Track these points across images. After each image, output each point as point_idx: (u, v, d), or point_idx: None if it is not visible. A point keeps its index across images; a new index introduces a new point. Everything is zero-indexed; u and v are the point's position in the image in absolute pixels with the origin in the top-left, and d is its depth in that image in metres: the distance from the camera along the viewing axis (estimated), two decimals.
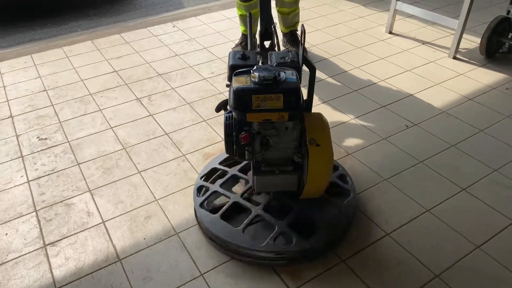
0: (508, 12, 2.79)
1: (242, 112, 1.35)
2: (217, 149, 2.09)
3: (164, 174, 1.95)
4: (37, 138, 2.21)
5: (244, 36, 2.92)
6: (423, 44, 3.03)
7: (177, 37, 3.25)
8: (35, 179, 1.95)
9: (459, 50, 2.85)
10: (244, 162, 1.81)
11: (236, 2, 2.82)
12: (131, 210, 1.77)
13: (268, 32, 1.65)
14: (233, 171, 1.79)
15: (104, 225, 1.71)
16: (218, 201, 1.73)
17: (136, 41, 3.22)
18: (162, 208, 1.77)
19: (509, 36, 2.78)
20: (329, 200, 1.65)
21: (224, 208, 1.63)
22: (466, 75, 2.64)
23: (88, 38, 3.30)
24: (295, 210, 1.59)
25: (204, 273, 1.50)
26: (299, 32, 1.76)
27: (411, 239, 1.59)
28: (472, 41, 3.01)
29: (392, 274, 1.46)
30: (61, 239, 1.65)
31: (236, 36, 3.12)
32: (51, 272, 1.53)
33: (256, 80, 1.33)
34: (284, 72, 1.37)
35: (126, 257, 1.57)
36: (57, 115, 2.39)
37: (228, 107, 1.48)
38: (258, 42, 1.76)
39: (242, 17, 2.86)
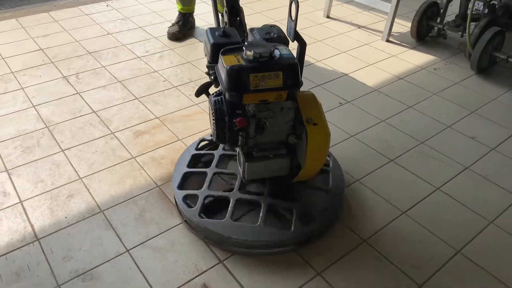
0: None
1: (238, 93, 1.22)
2: (150, 127, 2.00)
3: (90, 152, 1.84)
4: None
5: (181, 14, 2.83)
6: (359, 28, 3.10)
7: (110, 16, 3.10)
8: None
9: (392, 33, 2.94)
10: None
11: None
12: (52, 189, 1.65)
13: (235, 8, 1.52)
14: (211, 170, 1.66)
15: (22, 204, 1.58)
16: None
17: (65, 20, 3.03)
18: (86, 187, 1.67)
19: (438, 20, 2.90)
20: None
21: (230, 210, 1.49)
22: (398, 57, 2.73)
23: (12, 16, 3.06)
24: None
25: (130, 249, 1.43)
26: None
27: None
28: (404, 26, 3.12)
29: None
30: None
31: (173, 16, 3.02)
32: None
33: (251, 57, 1.22)
34: (278, 48, 1.27)
35: (44, 237, 1.46)
36: None
37: (216, 90, 1.36)
38: (225, 19, 1.60)
39: None
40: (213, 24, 3.01)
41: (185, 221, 1.51)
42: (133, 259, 1.40)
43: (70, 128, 1.97)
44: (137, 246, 1.44)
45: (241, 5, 1.57)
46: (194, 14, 2.93)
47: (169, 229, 1.50)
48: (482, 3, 2.66)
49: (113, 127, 1.99)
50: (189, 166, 1.65)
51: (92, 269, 1.36)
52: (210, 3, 3.29)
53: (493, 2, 2.69)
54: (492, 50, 2.51)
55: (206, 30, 1.45)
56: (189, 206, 1.49)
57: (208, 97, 1.46)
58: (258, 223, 1.42)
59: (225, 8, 1.53)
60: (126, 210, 1.57)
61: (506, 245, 1.51)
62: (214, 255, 1.41)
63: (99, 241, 1.45)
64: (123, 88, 2.28)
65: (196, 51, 2.69)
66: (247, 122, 1.31)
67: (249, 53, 1.22)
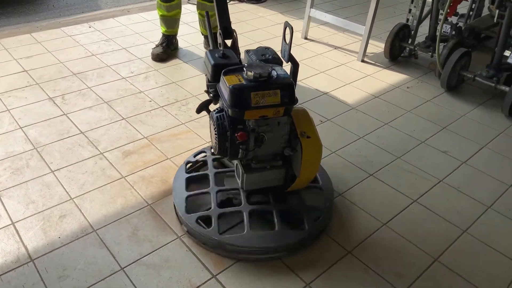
0: (407, 20, 3.10)
1: (240, 110, 1.33)
2: (138, 146, 2.05)
3: (80, 172, 1.88)
4: None
5: (165, 36, 2.91)
6: (335, 48, 3.25)
7: (93, 37, 3.15)
8: None
9: (366, 54, 3.10)
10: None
11: (156, 3, 2.82)
12: (44, 210, 1.68)
13: (228, 31, 1.63)
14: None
15: (14, 226, 1.60)
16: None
17: (48, 41, 3.06)
18: (78, 207, 1.70)
19: (409, 41, 3.08)
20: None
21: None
22: (372, 76, 2.88)
23: None
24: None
25: (125, 267, 1.47)
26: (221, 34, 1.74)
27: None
28: (378, 46, 3.28)
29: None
30: None
31: (156, 37, 3.10)
32: None
33: (252, 77, 1.33)
34: (274, 69, 1.38)
35: (39, 257, 1.49)
36: None
37: (218, 105, 1.46)
38: (220, 41, 1.68)
39: (163, 18, 2.85)
40: (196, 45, 3.11)
41: (203, 243, 1.54)
42: (128, 276, 1.44)
43: (58, 149, 2.00)
44: (131, 264, 1.48)
45: (233, 28, 1.67)
46: (177, 35, 3.01)
47: (162, 246, 1.55)
48: (450, 26, 2.85)
49: (101, 147, 2.03)
50: (187, 190, 1.70)
51: (88, 287, 1.39)
52: (193, 25, 3.40)
53: (459, 25, 2.88)
54: (460, 69, 2.69)
55: (206, 52, 1.56)
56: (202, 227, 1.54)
57: (208, 113, 1.56)
58: (276, 229, 1.53)
59: (218, 30, 1.62)
60: (119, 229, 1.61)
61: (478, 251, 1.62)
62: (207, 270, 1.47)
63: (94, 260, 1.49)
64: (110, 109, 2.32)
65: (180, 72, 2.76)
66: (247, 136, 1.41)
67: (250, 74, 1.33)
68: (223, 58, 1.50)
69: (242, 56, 1.62)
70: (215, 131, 1.43)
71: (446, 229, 1.71)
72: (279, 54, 1.54)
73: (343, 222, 1.70)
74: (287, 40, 1.44)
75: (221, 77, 1.40)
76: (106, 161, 1.95)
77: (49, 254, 1.50)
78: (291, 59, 1.47)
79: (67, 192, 1.76)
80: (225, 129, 1.42)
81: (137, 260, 1.49)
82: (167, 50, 2.89)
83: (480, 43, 3.28)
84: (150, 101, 2.42)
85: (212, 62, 1.49)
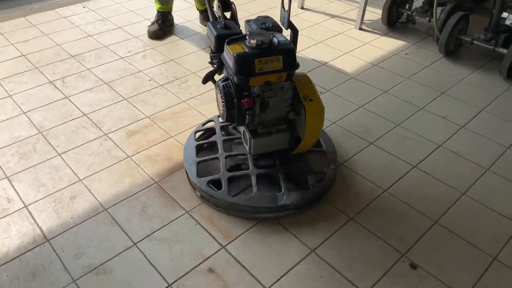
0: None
1: (245, 77, 1.39)
2: (141, 126, 2.08)
3: (86, 154, 1.92)
4: None
5: (160, 13, 2.89)
6: (332, 17, 3.22)
7: (88, 18, 3.12)
8: None
9: (364, 21, 3.07)
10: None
11: None
12: (55, 192, 1.73)
13: (227, 3, 1.67)
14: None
15: (27, 209, 1.66)
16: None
17: (44, 24, 3.04)
18: (87, 187, 1.75)
19: (407, 7, 3.05)
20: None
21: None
22: (371, 44, 2.87)
23: None
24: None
25: (137, 242, 1.53)
26: (215, 8, 1.78)
27: None
28: (375, 13, 3.25)
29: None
30: None
31: (151, 14, 3.08)
32: None
33: (254, 45, 1.37)
34: (275, 36, 1.42)
35: (54, 237, 1.54)
36: None
37: (223, 75, 1.50)
38: (217, 13, 1.75)
39: None
40: (192, 21, 3.10)
41: (216, 205, 1.64)
42: (141, 251, 1.50)
43: (63, 132, 2.04)
44: (143, 239, 1.54)
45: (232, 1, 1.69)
46: (172, 11, 2.99)
47: (171, 221, 1.60)
48: None
49: (105, 128, 2.06)
50: (197, 156, 1.78)
51: (104, 263, 1.46)
52: (187, 0, 3.36)
53: None
54: (458, 33, 2.68)
55: (208, 24, 1.61)
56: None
57: (214, 83, 1.61)
58: (282, 191, 1.60)
59: (217, 3, 1.65)
60: (128, 207, 1.66)
61: (477, 213, 1.68)
62: (216, 242, 1.53)
63: (107, 237, 1.55)
64: (111, 90, 2.34)
65: (177, 49, 2.76)
66: (253, 102, 1.47)
67: (253, 41, 1.38)
68: (225, 29, 1.55)
69: (242, 27, 1.64)
70: (222, 99, 1.49)
71: (445, 192, 1.76)
72: (278, 22, 1.56)
73: (344, 190, 1.75)
74: (286, 8, 1.48)
75: (225, 47, 1.45)
76: (111, 142, 1.98)
77: (63, 234, 1.56)
78: (290, 26, 1.51)
79: (76, 174, 1.81)
80: (232, 96, 1.47)
81: (148, 236, 1.55)
82: (163, 27, 2.88)
83: (478, 5, 3.24)
84: (150, 80, 2.44)
85: (215, 33, 1.53)
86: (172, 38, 2.88)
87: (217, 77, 1.69)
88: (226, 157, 1.74)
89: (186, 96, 2.30)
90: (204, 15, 3.00)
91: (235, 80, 1.43)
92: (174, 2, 2.95)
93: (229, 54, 1.42)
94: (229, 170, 1.70)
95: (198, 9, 3.03)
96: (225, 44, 1.45)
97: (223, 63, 1.54)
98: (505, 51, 2.46)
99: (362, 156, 1.94)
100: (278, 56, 1.39)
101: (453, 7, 2.76)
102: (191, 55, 2.69)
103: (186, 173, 1.76)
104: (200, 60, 2.63)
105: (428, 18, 2.88)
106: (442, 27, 2.65)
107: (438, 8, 2.70)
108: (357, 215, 1.65)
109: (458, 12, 2.63)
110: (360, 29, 3.04)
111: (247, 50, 1.39)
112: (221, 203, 1.61)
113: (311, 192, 1.63)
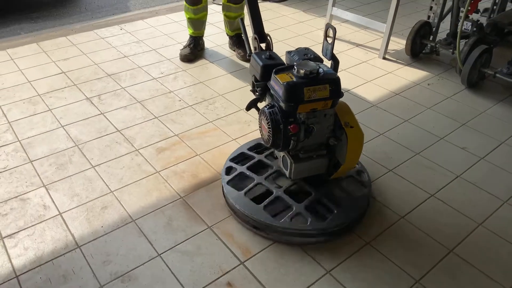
0: (429, 17, 3.14)
1: (294, 104, 1.48)
2: (170, 143, 2.20)
3: (118, 168, 2.04)
4: None
5: (192, 38, 3.05)
6: (357, 46, 3.32)
7: (125, 39, 3.32)
8: None
9: (388, 51, 3.16)
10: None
11: (184, 6, 2.96)
12: (87, 202, 1.85)
13: (262, 35, 1.78)
14: (260, 157, 1.93)
15: (61, 216, 1.78)
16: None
17: (83, 43, 3.25)
18: (117, 199, 1.86)
19: (431, 38, 3.12)
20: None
21: (248, 187, 1.78)
22: (394, 73, 2.94)
23: (33, 41, 3.28)
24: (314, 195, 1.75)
25: (162, 253, 1.62)
26: (250, 40, 1.88)
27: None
28: (399, 43, 3.33)
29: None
30: (18, 231, 1.70)
31: (183, 38, 3.25)
32: (10, 261, 1.58)
33: (302, 75, 1.47)
34: (320, 66, 1.52)
35: (85, 244, 1.65)
36: (5, 116, 2.39)
37: (268, 103, 1.62)
38: (255, 45, 1.82)
39: (190, 20, 2.99)
40: (221, 45, 3.25)
41: (254, 226, 1.71)
42: (164, 262, 1.59)
43: (98, 146, 2.17)
44: (167, 250, 1.63)
45: (248, 26, 1.80)
46: (204, 36, 3.15)
47: (194, 235, 1.69)
48: (470, 23, 2.88)
49: (137, 144, 2.19)
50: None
51: (130, 271, 1.55)
52: (218, 25, 3.52)
53: (480, 22, 2.91)
54: (480, 66, 2.72)
55: (253, 54, 1.72)
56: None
57: (258, 111, 1.71)
58: (335, 212, 1.68)
59: (254, 35, 1.76)
60: (155, 219, 1.76)
61: (492, 244, 1.70)
62: (236, 257, 1.61)
63: (134, 247, 1.64)
64: (143, 108, 2.48)
65: (207, 72, 2.90)
66: (299, 128, 1.55)
67: (301, 71, 1.48)
68: (270, 59, 1.66)
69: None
70: (268, 125, 1.57)
71: (462, 222, 1.79)
72: (321, 53, 1.67)
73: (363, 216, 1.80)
74: (329, 40, 1.58)
75: (273, 76, 1.54)
76: (142, 157, 2.10)
77: (93, 242, 1.66)
78: (333, 56, 1.60)
79: (107, 186, 1.93)
80: (278, 122, 1.55)
81: (172, 247, 1.64)
82: (194, 51, 3.03)
83: (503, 38, 3.28)
84: (180, 100, 2.57)
85: (261, 63, 1.64)
86: (202, 61, 3.03)
87: (259, 105, 1.77)
88: (266, 178, 1.81)
89: (213, 117, 2.42)
90: (234, 40, 3.15)
91: (284, 107, 1.52)
92: (205, 27, 3.11)
93: (278, 83, 1.51)
94: (258, 196, 1.76)
95: (228, 35, 3.18)
96: (273, 73, 1.55)
97: (266, 91, 1.64)
98: None
99: (381, 182, 1.99)
100: (325, 85, 1.49)
101: (476, 40, 2.81)
102: (220, 78, 2.82)
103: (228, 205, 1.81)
104: (228, 83, 2.76)
105: (451, 50, 2.94)
106: (465, 60, 2.71)
107: (461, 40, 2.76)
108: (374, 240, 1.70)
109: (481, 46, 2.69)
110: (384, 58, 3.12)
111: (295, 79, 1.49)
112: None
113: (355, 214, 1.70)
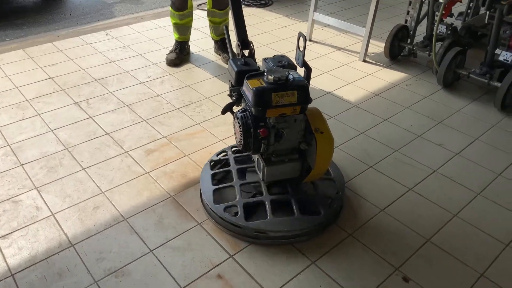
0: (406, 21, 3.28)
1: (262, 109, 1.54)
2: (159, 145, 2.26)
3: (108, 169, 2.09)
4: None
5: (178, 43, 3.12)
6: (338, 49, 3.43)
7: (111, 45, 3.37)
8: None
9: (367, 54, 3.28)
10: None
11: (170, 12, 3.03)
12: (79, 203, 1.90)
13: (245, 42, 1.85)
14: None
15: (54, 217, 1.82)
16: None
17: (69, 49, 3.29)
18: (109, 199, 1.92)
19: (408, 41, 3.26)
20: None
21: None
22: (373, 75, 3.06)
23: (19, 47, 3.31)
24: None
25: (153, 249, 1.68)
26: (234, 47, 1.95)
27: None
28: (379, 46, 3.46)
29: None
30: (12, 232, 1.74)
31: (169, 43, 3.31)
32: (5, 261, 1.62)
33: (272, 81, 1.54)
34: (290, 73, 1.59)
35: (78, 243, 1.70)
36: None
37: (241, 107, 1.68)
38: (238, 51, 1.89)
39: (176, 25, 3.06)
40: (207, 50, 3.32)
41: (231, 230, 1.74)
42: (156, 257, 1.65)
43: (87, 149, 2.22)
44: (159, 247, 1.69)
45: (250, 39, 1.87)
46: (189, 41, 3.22)
47: (185, 231, 1.76)
48: (445, 26, 3.02)
49: (126, 146, 2.25)
50: (213, 184, 1.90)
51: (123, 267, 1.61)
52: (203, 30, 3.60)
53: (454, 25, 3.05)
54: (455, 67, 2.86)
55: (229, 60, 1.78)
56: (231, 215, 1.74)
57: (232, 114, 1.77)
58: (295, 215, 1.72)
59: (237, 42, 1.83)
60: (146, 218, 1.82)
61: (467, 233, 1.81)
62: (225, 251, 1.68)
63: (126, 244, 1.70)
64: (131, 112, 2.54)
65: (193, 75, 2.97)
66: (268, 132, 1.62)
67: (270, 77, 1.54)
68: (245, 65, 1.72)
69: (259, 63, 1.82)
70: (240, 128, 1.64)
71: (438, 213, 1.90)
72: (294, 60, 1.74)
73: (345, 209, 1.90)
74: (301, 48, 1.65)
75: (245, 81, 1.61)
76: (131, 159, 2.16)
77: (86, 240, 1.72)
78: (304, 64, 1.68)
79: (98, 187, 1.98)
80: (249, 126, 1.62)
81: (163, 244, 1.70)
82: (180, 55, 3.10)
83: (477, 41, 3.44)
84: (167, 103, 2.63)
85: (236, 69, 1.70)
86: (188, 65, 3.10)
87: (235, 109, 1.84)
88: (241, 185, 1.87)
89: (200, 119, 2.49)
90: (219, 45, 3.23)
91: (253, 111, 1.58)
92: (191, 32, 3.18)
93: (248, 88, 1.58)
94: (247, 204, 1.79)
95: (213, 39, 3.26)
96: (245, 79, 1.61)
97: (242, 96, 1.71)
98: (499, 84, 2.63)
99: (361, 178, 2.09)
100: (293, 91, 1.55)
101: (451, 42, 2.95)
102: (206, 82, 2.90)
103: (202, 200, 1.88)
104: (213, 87, 2.83)
105: (428, 53, 3.07)
106: (441, 61, 2.84)
107: (437, 43, 2.89)
108: (356, 232, 1.79)
109: (455, 48, 2.82)
110: (364, 61, 3.24)
111: (265, 85, 1.55)
112: (235, 228, 1.72)
113: (323, 217, 1.74)
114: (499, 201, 1.98)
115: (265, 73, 1.58)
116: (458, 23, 3.27)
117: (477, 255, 1.71)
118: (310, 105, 1.65)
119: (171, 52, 3.13)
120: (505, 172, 2.16)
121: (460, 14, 3.55)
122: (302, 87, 1.56)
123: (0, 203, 1.88)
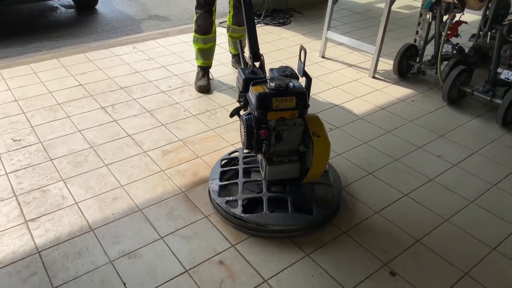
0: (415, 40, 3.43)
1: (264, 111, 1.72)
2: (174, 147, 2.47)
3: (128, 166, 2.30)
4: (11, 139, 2.50)
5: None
6: (349, 66, 3.60)
7: (137, 57, 3.64)
8: (13, 171, 2.24)
9: (377, 71, 3.43)
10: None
11: (193, 37, 3.05)
12: (100, 194, 2.10)
13: (257, 55, 2.04)
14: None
15: (77, 205, 2.03)
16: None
17: (99, 60, 3.57)
18: (127, 192, 2.12)
19: (417, 60, 3.40)
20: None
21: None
22: (381, 91, 3.21)
23: (53, 57, 3.61)
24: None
25: (164, 236, 1.86)
26: (246, 58, 2.14)
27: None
28: (389, 64, 3.61)
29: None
30: (40, 216, 1.96)
31: (190, 56, 3.55)
32: (33, 240, 1.83)
33: (273, 87, 1.73)
34: (292, 81, 1.78)
35: (97, 228, 1.90)
36: (28, 121, 2.68)
37: (247, 111, 1.87)
38: (249, 63, 2.06)
39: (200, 51, 3.06)
40: (225, 64, 3.53)
41: (233, 223, 1.91)
42: (166, 243, 1.83)
43: (110, 148, 2.45)
44: (168, 234, 1.87)
45: (261, 53, 2.06)
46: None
47: (192, 222, 1.93)
48: (450, 46, 3.16)
49: (145, 147, 2.46)
50: (221, 180, 2.09)
51: (135, 250, 1.79)
52: (222, 46, 3.83)
53: (460, 45, 3.18)
54: (460, 84, 2.98)
55: (238, 68, 1.97)
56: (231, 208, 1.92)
57: (239, 117, 1.95)
58: (289, 212, 1.87)
59: (249, 54, 2.03)
60: (159, 209, 2.01)
61: (456, 236, 1.92)
62: (228, 241, 1.84)
63: (140, 231, 1.89)
64: (151, 117, 2.76)
65: (211, 86, 3.18)
66: (269, 133, 1.79)
67: (272, 84, 1.73)
68: (252, 74, 1.91)
69: (267, 75, 2.00)
70: (244, 129, 1.81)
71: (430, 218, 2.02)
72: (296, 70, 1.91)
73: (341, 209, 2.04)
74: (302, 60, 1.83)
75: (250, 88, 1.80)
76: (149, 158, 2.37)
77: (105, 226, 1.91)
78: (305, 74, 1.85)
79: (118, 181, 2.19)
80: (252, 127, 1.79)
81: (173, 232, 1.88)
82: (209, 81, 3.14)
83: (485, 61, 3.54)
84: (185, 110, 2.85)
85: (243, 77, 1.89)
86: None
87: (242, 113, 2.01)
88: (244, 182, 2.04)
89: (214, 125, 2.69)
90: (236, 59, 3.44)
91: (256, 114, 1.76)
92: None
93: (252, 93, 1.77)
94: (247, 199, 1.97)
95: (231, 53, 3.49)
96: (250, 85, 1.81)
97: (248, 101, 1.89)
98: (500, 101, 2.74)
99: (360, 183, 2.23)
100: (292, 97, 1.73)
101: (456, 61, 3.08)
102: (221, 92, 3.11)
103: (209, 194, 2.05)
104: (228, 97, 3.04)
105: (435, 71, 3.20)
106: (446, 79, 2.96)
107: (444, 62, 3.03)
108: (350, 230, 1.92)
109: (459, 66, 2.95)
110: (373, 77, 3.40)
111: (267, 90, 1.74)
112: (233, 219, 1.89)
113: (313, 217, 1.88)
114: (491, 210, 2.08)
115: (268, 81, 1.77)
116: (470, 44, 3.40)
117: (464, 256, 1.82)
118: (313, 113, 1.81)
119: (199, 79, 3.14)
120: (500, 183, 2.26)
121: (473, 35, 3.68)
122: (300, 94, 1.74)
123: (31, 192, 2.10)
